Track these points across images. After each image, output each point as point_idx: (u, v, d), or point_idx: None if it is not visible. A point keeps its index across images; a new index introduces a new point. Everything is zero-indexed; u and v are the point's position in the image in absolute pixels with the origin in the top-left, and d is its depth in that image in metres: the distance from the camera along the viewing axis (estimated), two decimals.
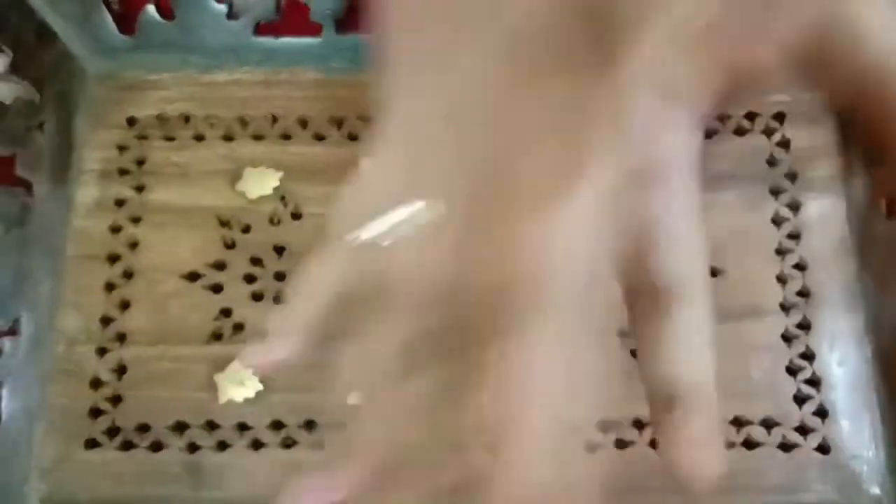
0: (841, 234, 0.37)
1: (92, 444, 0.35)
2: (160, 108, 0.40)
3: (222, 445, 0.35)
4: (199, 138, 0.39)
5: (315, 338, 0.20)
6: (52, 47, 0.39)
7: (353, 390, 0.19)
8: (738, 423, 0.35)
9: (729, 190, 0.37)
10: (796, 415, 0.35)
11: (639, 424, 0.35)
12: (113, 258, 0.38)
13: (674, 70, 0.17)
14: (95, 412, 0.35)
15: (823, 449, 0.34)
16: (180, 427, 0.35)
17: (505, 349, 0.17)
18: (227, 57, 0.40)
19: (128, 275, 0.37)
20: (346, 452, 0.19)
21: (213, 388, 0.36)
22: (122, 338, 0.37)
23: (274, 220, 0.38)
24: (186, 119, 0.40)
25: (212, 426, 0.35)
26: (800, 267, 0.37)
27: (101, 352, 0.36)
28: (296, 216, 0.38)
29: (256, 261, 0.38)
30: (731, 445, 0.34)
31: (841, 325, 0.36)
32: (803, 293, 0.36)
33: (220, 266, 0.38)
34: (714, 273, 0.36)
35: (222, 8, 0.40)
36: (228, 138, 0.39)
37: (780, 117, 0.39)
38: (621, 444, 0.35)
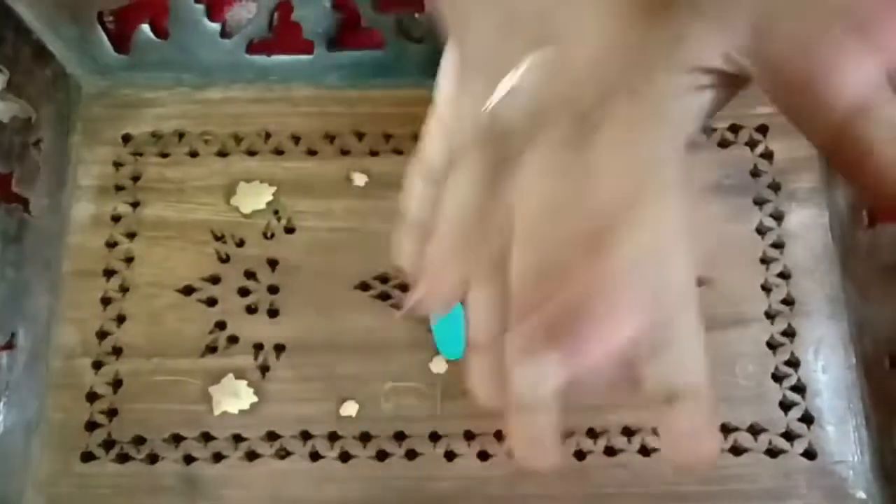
0: (824, 243, 0.38)
1: (88, 456, 0.35)
2: (155, 125, 0.41)
3: (217, 457, 0.35)
4: (194, 154, 0.40)
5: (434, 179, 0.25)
6: (48, 66, 0.39)
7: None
8: (725, 429, 0.35)
9: (714, 201, 0.38)
10: (782, 421, 0.35)
11: (628, 432, 0.35)
12: (109, 273, 0.38)
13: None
14: (92, 425, 0.36)
15: (809, 454, 0.35)
16: (176, 439, 0.36)
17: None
18: (221, 74, 0.41)
19: (123, 289, 0.38)
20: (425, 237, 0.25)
21: (208, 400, 0.36)
22: (118, 351, 0.37)
23: (267, 234, 0.39)
24: (181, 136, 0.40)
25: (207, 438, 0.36)
26: (784, 276, 0.37)
27: (98, 365, 0.37)
28: (289, 230, 0.39)
29: (250, 274, 0.38)
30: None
31: (825, 332, 0.37)
32: (788, 301, 0.37)
33: (214, 280, 0.38)
34: (700, 283, 0.37)
35: (216, 27, 0.40)
36: (222, 154, 0.40)
37: (763, 129, 0.39)
38: (610, 451, 0.35)
